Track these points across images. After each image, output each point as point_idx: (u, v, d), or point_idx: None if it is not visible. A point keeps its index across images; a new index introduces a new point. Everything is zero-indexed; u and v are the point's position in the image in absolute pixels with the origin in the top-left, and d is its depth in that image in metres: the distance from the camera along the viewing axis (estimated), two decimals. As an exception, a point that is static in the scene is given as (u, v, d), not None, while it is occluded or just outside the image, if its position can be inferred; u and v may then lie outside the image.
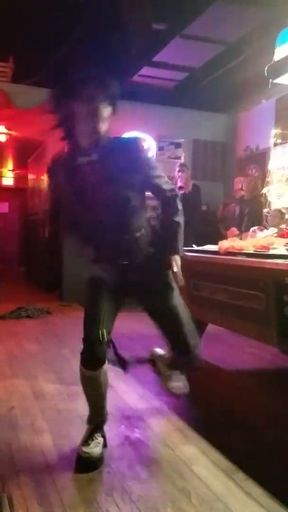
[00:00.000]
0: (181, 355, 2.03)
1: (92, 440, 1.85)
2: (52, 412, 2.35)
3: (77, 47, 4.94)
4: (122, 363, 2.01)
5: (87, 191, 1.78)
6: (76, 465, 1.78)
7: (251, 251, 2.59)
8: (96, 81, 1.70)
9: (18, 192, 11.66)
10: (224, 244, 2.77)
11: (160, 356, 2.28)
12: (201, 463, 1.84)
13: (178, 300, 1.95)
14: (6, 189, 11.99)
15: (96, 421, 1.91)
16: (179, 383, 2.13)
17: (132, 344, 3.46)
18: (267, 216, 5.07)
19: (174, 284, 1.92)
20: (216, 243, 2.92)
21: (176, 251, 1.88)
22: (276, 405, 2.55)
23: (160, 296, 1.92)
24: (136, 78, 5.69)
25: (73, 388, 2.69)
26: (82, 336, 1.86)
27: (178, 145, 6.71)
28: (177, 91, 6.29)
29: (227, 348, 3.71)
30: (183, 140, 6.71)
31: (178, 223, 1.88)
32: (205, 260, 2.87)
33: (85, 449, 1.80)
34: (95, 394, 1.89)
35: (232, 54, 5.07)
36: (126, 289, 1.89)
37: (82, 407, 2.32)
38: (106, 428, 1.97)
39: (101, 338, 1.80)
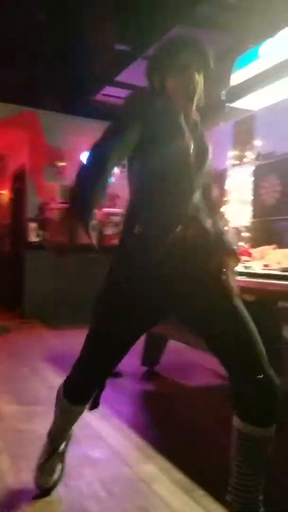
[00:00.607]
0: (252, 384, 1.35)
1: (54, 466, 1.72)
2: (11, 433, 2.29)
3: (40, 65, 4.97)
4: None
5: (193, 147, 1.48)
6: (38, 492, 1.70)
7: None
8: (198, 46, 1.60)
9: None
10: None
11: None
12: (160, 482, 1.84)
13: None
14: None
15: (57, 445, 1.74)
16: None
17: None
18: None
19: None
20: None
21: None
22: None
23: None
24: (99, 97, 5.77)
25: (33, 408, 2.64)
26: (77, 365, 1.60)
27: (140, 163, 6.80)
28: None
29: (188, 365, 3.75)
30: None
31: None
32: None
33: (46, 479, 1.71)
34: (70, 425, 1.71)
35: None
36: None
37: (42, 428, 2.27)
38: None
39: (102, 379, 1.57)
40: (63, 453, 1.75)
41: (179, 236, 1.36)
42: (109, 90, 5.69)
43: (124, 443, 2.22)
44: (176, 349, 3.64)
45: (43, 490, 1.71)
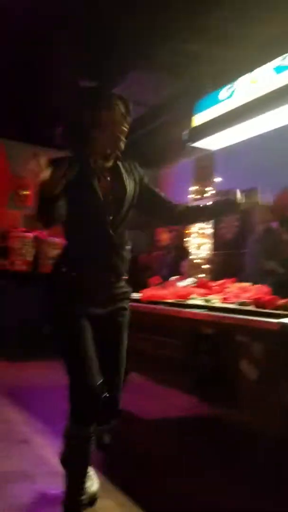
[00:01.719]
0: (110, 402, 1.73)
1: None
2: None
3: (4, 96, 5.02)
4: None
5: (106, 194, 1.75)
6: None
7: (171, 301, 2.70)
8: (123, 98, 1.81)
9: None
10: (147, 292, 2.86)
11: None
12: (119, 518, 1.81)
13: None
14: None
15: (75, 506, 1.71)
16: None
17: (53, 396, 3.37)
18: (187, 265, 5.32)
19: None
20: (138, 291, 3.00)
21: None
22: (194, 454, 2.60)
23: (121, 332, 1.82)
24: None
25: None
26: (72, 389, 1.66)
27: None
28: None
29: (149, 398, 3.72)
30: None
31: None
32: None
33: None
34: (85, 465, 1.74)
35: (153, 116, 5.45)
36: (96, 320, 1.74)
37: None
38: (18, 486, 1.89)
39: (99, 385, 1.64)
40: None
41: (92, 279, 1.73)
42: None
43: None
44: (135, 383, 3.62)
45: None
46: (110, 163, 1.82)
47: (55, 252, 3.71)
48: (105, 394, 1.65)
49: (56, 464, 2.18)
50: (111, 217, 1.75)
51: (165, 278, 3.88)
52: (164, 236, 5.88)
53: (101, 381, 1.65)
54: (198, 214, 2.15)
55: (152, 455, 2.56)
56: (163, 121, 5.37)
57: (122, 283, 1.83)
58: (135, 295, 3.07)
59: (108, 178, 1.79)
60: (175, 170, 6.74)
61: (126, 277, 1.86)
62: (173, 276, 3.94)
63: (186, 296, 2.71)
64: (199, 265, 5.35)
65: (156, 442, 2.81)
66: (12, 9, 3.49)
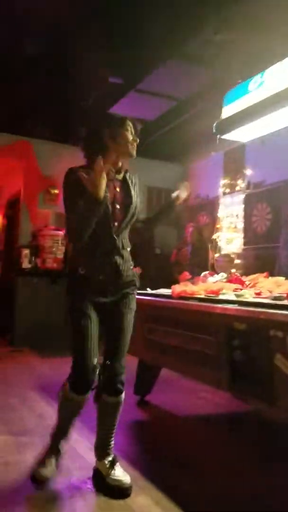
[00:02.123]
0: (111, 377, 2.07)
1: (50, 460, 2.07)
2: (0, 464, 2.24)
3: (34, 95, 5.08)
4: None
5: (112, 204, 2.06)
6: (32, 481, 2.01)
7: (202, 296, 2.67)
8: (134, 122, 2.11)
9: None
10: (177, 289, 2.83)
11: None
12: (154, 514, 1.80)
13: (131, 326, 2.15)
14: None
15: (57, 444, 2.12)
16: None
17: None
18: (217, 261, 5.26)
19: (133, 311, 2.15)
20: (169, 287, 2.99)
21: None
22: (228, 451, 2.56)
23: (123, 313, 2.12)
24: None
25: (22, 439, 2.58)
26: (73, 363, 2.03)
27: (133, 192, 6.90)
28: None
29: (181, 394, 3.71)
30: (137, 187, 6.92)
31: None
32: (158, 304, 2.91)
33: (42, 471, 2.03)
34: (72, 418, 2.11)
35: (183, 109, 5.39)
36: (104, 306, 2.08)
37: (30, 459, 2.23)
38: (57, 480, 1.96)
39: (94, 364, 2.01)
40: (59, 451, 2.11)
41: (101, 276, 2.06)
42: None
43: (115, 474, 2.17)
44: (167, 378, 3.61)
45: (37, 482, 2.00)
46: (120, 176, 2.13)
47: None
48: (99, 371, 2.04)
49: (90, 459, 2.20)
50: (116, 223, 2.05)
51: (195, 274, 3.86)
52: (194, 232, 5.83)
53: (96, 361, 2.02)
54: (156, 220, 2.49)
55: (186, 451, 2.54)
56: (193, 114, 5.30)
57: (126, 274, 2.11)
58: (166, 291, 3.06)
59: (118, 189, 2.09)
60: (205, 164, 6.66)
61: (132, 267, 2.16)
62: (204, 271, 3.90)
63: (217, 292, 2.67)
64: (230, 260, 5.27)
65: (190, 438, 2.79)
66: (42, 3, 3.51)
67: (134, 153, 2.09)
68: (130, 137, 2.07)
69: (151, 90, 4.99)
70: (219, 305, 2.33)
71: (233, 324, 2.16)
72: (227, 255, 5.40)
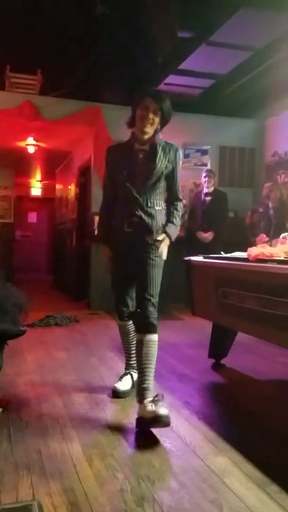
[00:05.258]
0: (140, 314, 2.43)
1: (123, 378, 2.78)
2: (81, 420, 2.35)
3: (102, 57, 5.02)
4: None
5: (134, 169, 2.47)
6: (113, 394, 2.68)
7: (282, 258, 2.54)
8: (156, 96, 2.46)
9: (46, 202, 11.87)
10: (254, 251, 2.72)
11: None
12: (233, 475, 1.79)
13: (158, 272, 2.47)
14: (35, 199, 12.23)
15: (128, 361, 2.82)
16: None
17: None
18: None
19: (158, 259, 2.47)
20: (244, 250, 2.88)
21: (167, 232, 2.50)
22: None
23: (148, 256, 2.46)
24: (162, 86, 5.72)
25: (101, 396, 2.69)
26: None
27: (204, 152, 6.69)
28: (204, 98, 6.28)
29: (258, 358, 3.63)
30: (209, 147, 6.69)
31: (176, 219, 2.58)
32: (234, 267, 2.83)
33: (118, 386, 2.72)
34: (125, 338, 2.78)
35: (259, 60, 5.02)
36: (132, 252, 2.49)
37: (109, 415, 2.31)
38: (136, 437, 2.00)
39: (123, 301, 2.66)
40: (130, 365, 2.80)
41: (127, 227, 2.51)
42: (172, 79, 5.62)
43: (194, 434, 2.19)
44: (244, 342, 3.54)
45: (117, 396, 2.65)
46: (146, 146, 2.47)
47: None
48: (127, 305, 2.67)
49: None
50: (138, 184, 2.44)
51: (273, 236, 3.67)
52: (272, 193, 5.52)
53: (126, 299, 2.65)
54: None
55: (264, 414, 2.49)
56: (270, 64, 4.93)
57: (156, 230, 2.46)
58: (241, 254, 2.95)
59: (141, 155, 2.47)
60: (283, 118, 6.23)
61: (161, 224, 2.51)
62: (282, 233, 3.70)
63: (298, 253, 2.53)
64: None
65: (269, 401, 2.73)
66: None
67: (147, 129, 2.42)
68: (143, 116, 2.40)
69: (223, 42, 4.70)
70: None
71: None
72: None
